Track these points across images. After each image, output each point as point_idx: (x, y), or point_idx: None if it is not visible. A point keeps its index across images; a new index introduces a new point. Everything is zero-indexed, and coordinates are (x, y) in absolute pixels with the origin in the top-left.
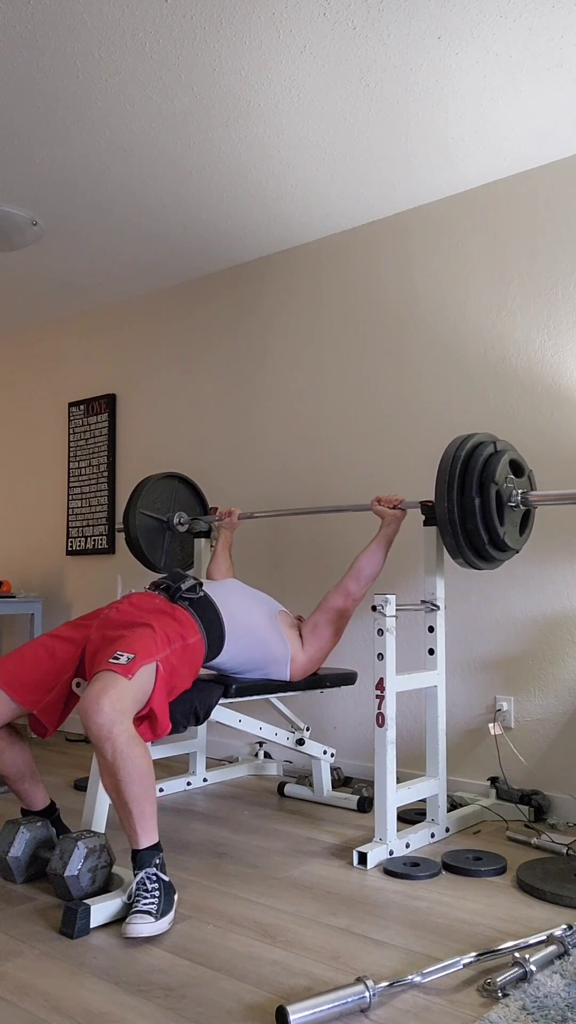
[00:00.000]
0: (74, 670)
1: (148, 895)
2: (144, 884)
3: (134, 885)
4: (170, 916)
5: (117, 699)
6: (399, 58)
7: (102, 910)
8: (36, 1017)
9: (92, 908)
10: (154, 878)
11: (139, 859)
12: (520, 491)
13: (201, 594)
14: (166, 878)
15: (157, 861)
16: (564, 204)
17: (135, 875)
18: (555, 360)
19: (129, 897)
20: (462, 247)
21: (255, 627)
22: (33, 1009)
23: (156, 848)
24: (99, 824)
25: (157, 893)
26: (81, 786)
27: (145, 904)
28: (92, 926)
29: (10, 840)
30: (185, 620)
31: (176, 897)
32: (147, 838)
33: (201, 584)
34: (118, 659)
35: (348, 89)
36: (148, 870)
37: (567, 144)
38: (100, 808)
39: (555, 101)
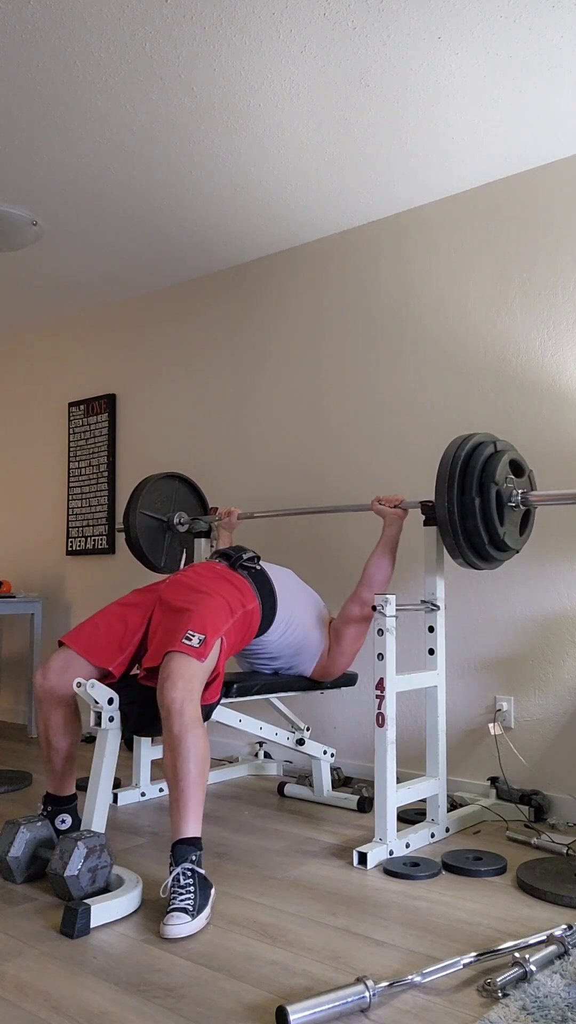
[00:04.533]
0: (143, 631)
1: (183, 891)
2: (179, 880)
3: (169, 881)
4: (206, 912)
5: (190, 679)
6: (399, 58)
7: (102, 910)
8: (36, 1017)
9: (92, 908)
10: (189, 873)
11: (176, 852)
12: (520, 491)
13: (260, 567)
14: (202, 871)
15: (194, 857)
16: (564, 204)
17: (171, 870)
18: (555, 360)
19: (164, 891)
20: (462, 247)
21: (303, 611)
22: (33, 1009)
23: (195, 843)
24: (99, 824)
25: (192, 889)
26: (81, 786)
27: (181, 901)
28: (92, 926)
29: (10, 840)
30: (244, 587)
31: (212, 891)
32: (189, 828)
33: (260, 558)
34: (190, 640)
35: (348, 89)
36: (184, 865)
37: (567, 144)
38: (100, 808)
39: (555, 101)
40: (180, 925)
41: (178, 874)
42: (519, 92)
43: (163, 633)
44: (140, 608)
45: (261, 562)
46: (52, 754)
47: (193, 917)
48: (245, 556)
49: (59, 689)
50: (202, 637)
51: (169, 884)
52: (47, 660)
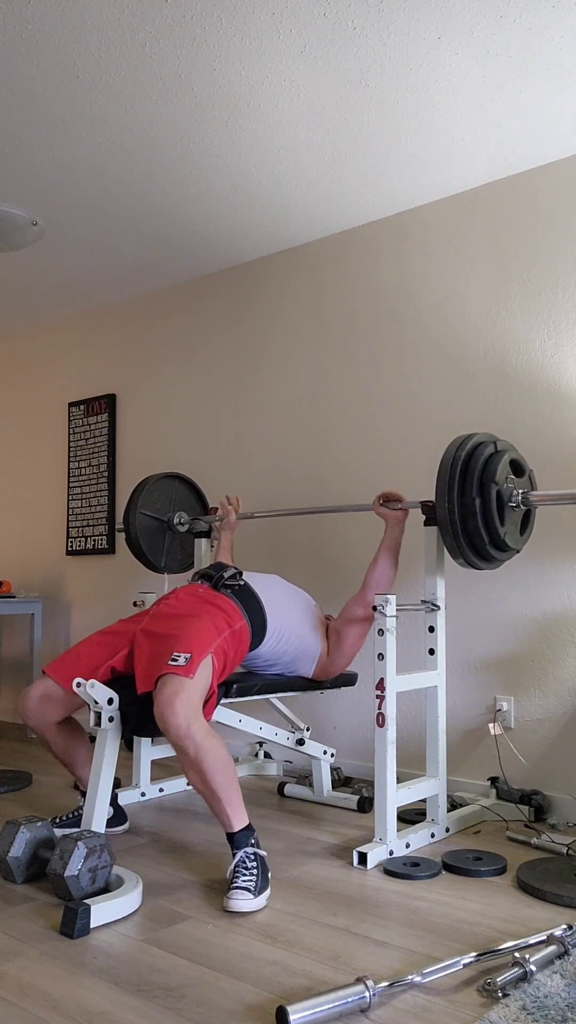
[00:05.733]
0: (119, 656)
1: (247, 873)
2: (244, 863)
3: (234, 864)
4: (267, 893)
5: (187, 698)
6: (399, 58)
7: (102, 910)
8: (36, 1017)
9: (92, 908)
10: (252, 856)
11: (236, 840)
12: (521, 491)
13: (243, 583)
14: (263, 853)
15: (253, 840)
16: (564, 204)
17: (234, 855)
18: (555, 360)
19: (231, 875)
20: (462, 247)
21: (294, 618)
22: (33, 1009)
23: (250, 828)
24: (99, 824)
25: (256, 871)
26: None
27: (244, 881)
28: (92, 926)
29: (10, 840)
30: (229, 607)
31: (270, 875)
32: (239, 820)
33: (241, 573)
34: (176, 660)
35: (348, 89)
36: (246, 849)
37: (567, 144)
38: (100, 808)
39: (555, 101)
40: (243, 900)
41: (243, 858)
42: (519, 92)
43: (149, 659)
44: (122, 636)
45: (244, 574)
46: (60, 758)
47: (255, 896)
48: (227, 575)
49: (44, 719)
50: (188, 655)
51: (233, 867)
52: (29, 688)
